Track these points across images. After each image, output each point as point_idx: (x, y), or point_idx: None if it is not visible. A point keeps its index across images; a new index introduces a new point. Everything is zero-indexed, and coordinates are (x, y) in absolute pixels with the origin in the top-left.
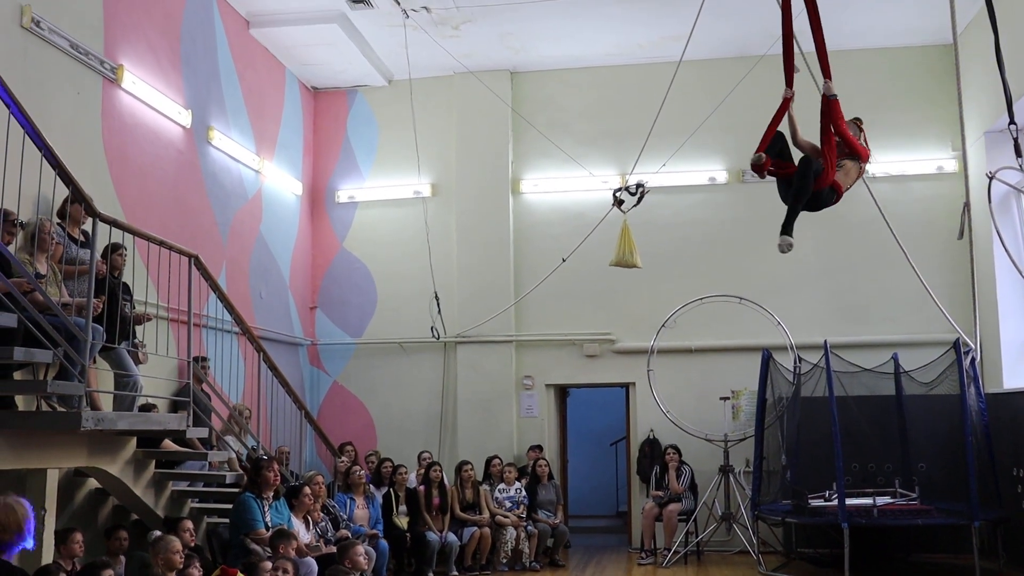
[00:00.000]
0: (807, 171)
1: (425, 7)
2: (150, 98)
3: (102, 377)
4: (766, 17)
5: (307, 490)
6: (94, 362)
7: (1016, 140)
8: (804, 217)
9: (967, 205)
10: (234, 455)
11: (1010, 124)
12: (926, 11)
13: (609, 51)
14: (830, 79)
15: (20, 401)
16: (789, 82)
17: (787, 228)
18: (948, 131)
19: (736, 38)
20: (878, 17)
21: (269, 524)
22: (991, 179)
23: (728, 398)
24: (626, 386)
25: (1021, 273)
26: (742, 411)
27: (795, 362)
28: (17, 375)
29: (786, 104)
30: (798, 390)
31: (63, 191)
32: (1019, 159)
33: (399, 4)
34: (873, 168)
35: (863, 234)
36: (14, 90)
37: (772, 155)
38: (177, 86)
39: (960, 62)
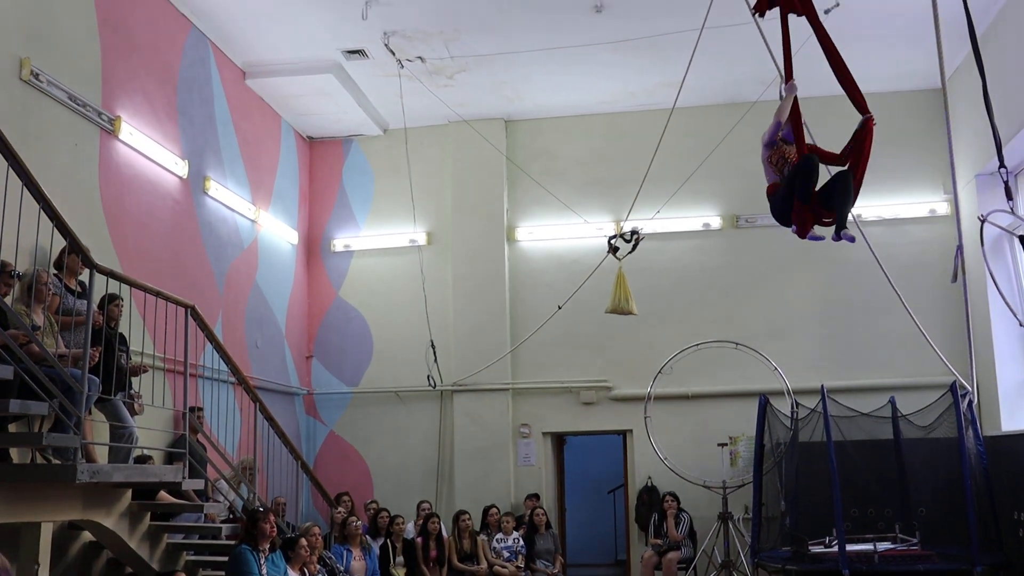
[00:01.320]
0: (849, 182)
1: (420, 57)
2: (147, 149)
3: (97, 428)
4: (757, 64)
5: (303, 541)
6: (90, 413)
7: (1007, 183)
8: (798, 261)
9: (960, 248)
10: (224, 501)
11: (1000, 168)
12: (915, 56)
13: (603, 99)
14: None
15: (15, 454)
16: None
17: (843, 223)
18: (939, 174)
19: (728, 85)
20: (868, 63)
21: None
22: (983, 222)
23: (726, 444)
24: (623, 433)
25: (1015, 315)
26: (740, 457)
27: (792, 407)
28: (12, 427)
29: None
30: (796, 435)
31: (60, 242)
32: (1010, 202)
33: (394, 54)
34: (866, 211)
35: (857, 278)
36: (12, 142)
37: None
38: (174, 137)
39: (949, 106)
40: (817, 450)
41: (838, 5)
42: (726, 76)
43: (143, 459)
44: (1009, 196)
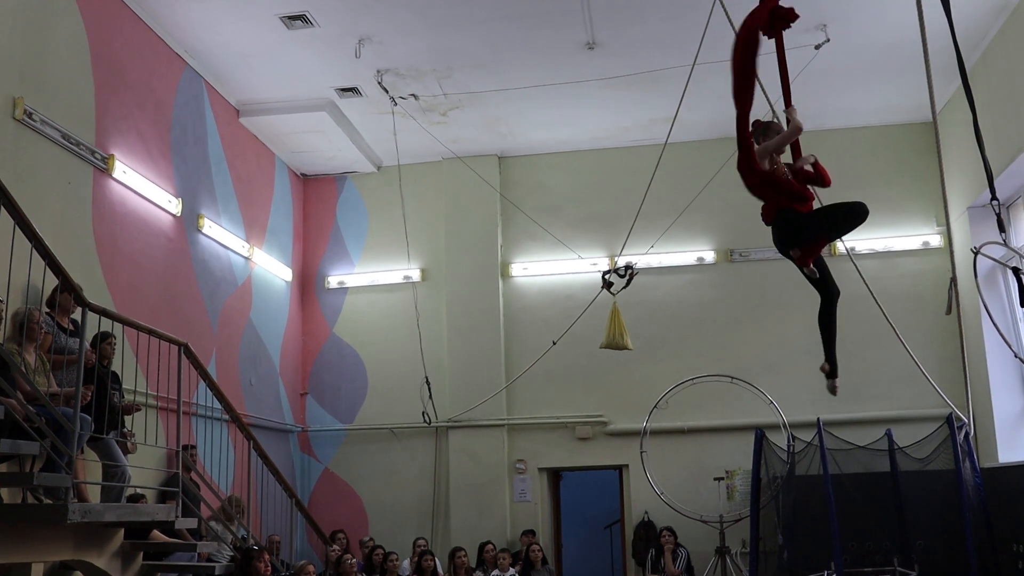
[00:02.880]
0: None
1: (413, 94)
2: (140, 187)
3: (90, 468)
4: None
5: None
6: (82, 452)
7: (999, 215)
8: (793, 294)
9: (954, 280)
10: (222, 540)
11: (992, 200)
12: (905, 90)
13: (596, 135)
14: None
15: (5, 493)
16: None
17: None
18: (932, 206)
19: (721, 120)
20: (860, 97)
21: None
22: (976, 254)
23: (722, 478)
24: (619, 468)
25: (1010, 347)
26: (737, 491)
27: (788, 441)
28: (3, 467)
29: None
30: (792, 469)
31: (53, 280)
32: (1003, 234)
33: (387, 92)
34: (859, 244)
35: (852, 311)
36: (5, 181)
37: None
38: (167, 175)
39: (940, 139)
40: (814, 483)
41: (828, 41)
42: (718, 111)
43: (136, 498)
44: (1001, 228)
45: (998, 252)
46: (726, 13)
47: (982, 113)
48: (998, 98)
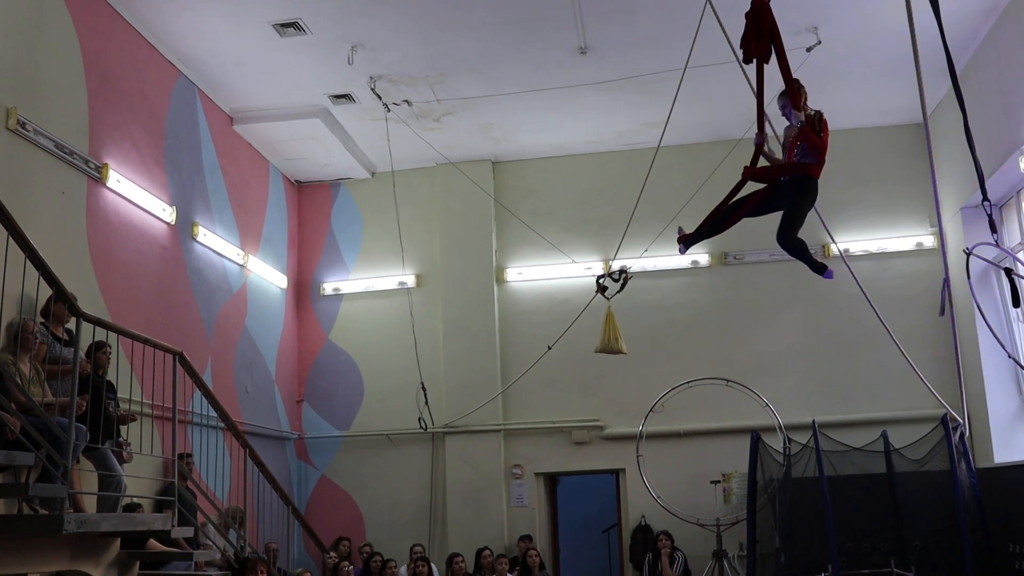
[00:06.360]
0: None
1: (407, 101)
2: (135, 196)
3: (85, 477)
4: (741, 102)
5: None
6: (77, 462)
7: (991, 216)
8: (787, 297)
9: (947, 281)
10: (216, 549)
11: (984, 201)
12: (896, 92)
13: (589, 139)
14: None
15: (0, 505)
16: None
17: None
18: (925, 207)
19: (713, 123)
20: (851, 98)
21: None
22: (968, 255)
23: (719, 481)
24: (616, 472)
25: (1004, 347)
26: (733, 494)
27: (784, 443)
28: None
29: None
30: (788, 471)
31: (47, 290)
32: (995, 235)
33: (380, 98)
34: (853, 246)
35: (846, 312)
36: None
37: None
38: (161, 183)
39: (932, 141)
40: (810, 485)
41: (819, 43)
42: (711, 115)
43: (132, 507)
44: (993, 229)
45: (990, 253)
46: (717, 17)
47: (973, 114)
48: (989, 99)
